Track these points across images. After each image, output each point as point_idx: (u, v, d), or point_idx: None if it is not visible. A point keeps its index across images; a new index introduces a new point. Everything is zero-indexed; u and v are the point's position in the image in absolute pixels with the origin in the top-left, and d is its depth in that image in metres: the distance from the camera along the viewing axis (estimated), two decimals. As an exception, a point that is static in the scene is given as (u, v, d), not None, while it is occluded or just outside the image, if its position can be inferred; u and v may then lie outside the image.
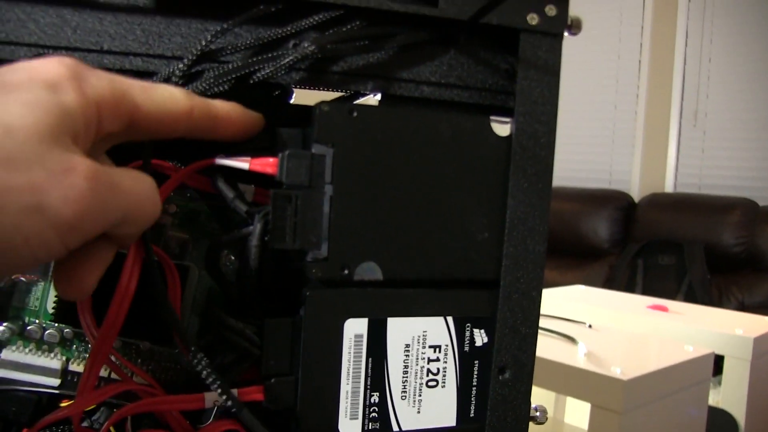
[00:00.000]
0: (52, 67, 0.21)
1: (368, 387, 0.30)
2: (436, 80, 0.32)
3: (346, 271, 0.29)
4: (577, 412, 1.27)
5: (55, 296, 0.31)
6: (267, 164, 0.29)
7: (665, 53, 2.64)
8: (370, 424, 0.30)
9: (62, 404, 0.31)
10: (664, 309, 1.47)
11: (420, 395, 0.31)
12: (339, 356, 0.29)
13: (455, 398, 0.32)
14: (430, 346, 0.31)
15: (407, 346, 0.31)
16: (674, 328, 1.34)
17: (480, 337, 0.32)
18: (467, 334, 0.32)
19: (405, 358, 0.31)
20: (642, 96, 2.69)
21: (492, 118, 0.32)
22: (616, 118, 2.77)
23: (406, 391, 0.31)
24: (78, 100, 0.21)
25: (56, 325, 0.31)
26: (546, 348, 1.00)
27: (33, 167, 0.19)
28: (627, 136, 2.74)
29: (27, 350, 0.31)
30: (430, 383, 0.31)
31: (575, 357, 0.98)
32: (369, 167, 0.30)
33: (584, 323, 1.22)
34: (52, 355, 0.31)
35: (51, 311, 0.31)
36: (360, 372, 0.30)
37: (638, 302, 1.52)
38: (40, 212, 0.19)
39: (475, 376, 0.32)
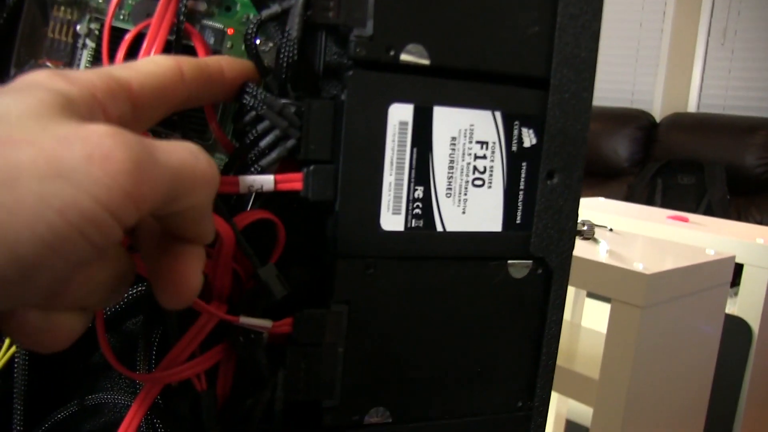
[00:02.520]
0: (35, 74, 0.20)
1: (412, 180, 0.28)
2: None
3: (391, 53, 0.27)
4: (594, 315, 1.27)
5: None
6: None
7: (696, -32, 2.53)
8: (414, 220, 0.29)
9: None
10: (684, 220, 1.45)
11: (465, 194, 0.29)
12: (383, 143, 0.28)
13: (502, 201, 0.30)
14: (477, 142, 0.29)
15: (453, 139, 0.29)
16: (695, 237, 1.33)
17: (528, 138, 0.30)
18: (515, 132, 0.30)
19: (451, 152, 0.29)
20: (669, 13, 2.59)
21: None
22: (641, 36, 2.68)
23: (451, 188, 0.29)
24: (69, 86, 0.20)
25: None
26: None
27: (37, 139, 0.17)
28: (651, 55, 2.66)
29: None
30: (476, 182, 0.29)
31: (597, 254, 0.97)
32: None
33: (605, 227, 1.21)
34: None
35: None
36: (404, 162, 0.28)
37: (659, 213, 1.50)
38: (63, 177, 0.16)
39: (522, 179, 0.30)
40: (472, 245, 0.30)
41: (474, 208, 0.30)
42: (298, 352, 0.28)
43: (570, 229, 0.31)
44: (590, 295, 1.32)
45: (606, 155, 2.42)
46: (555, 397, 1.25)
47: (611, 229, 1.20)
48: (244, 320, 0.27)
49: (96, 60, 0.29)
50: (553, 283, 0.32)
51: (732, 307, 1.34)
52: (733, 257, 1.09)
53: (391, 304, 0.29)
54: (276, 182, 0.27)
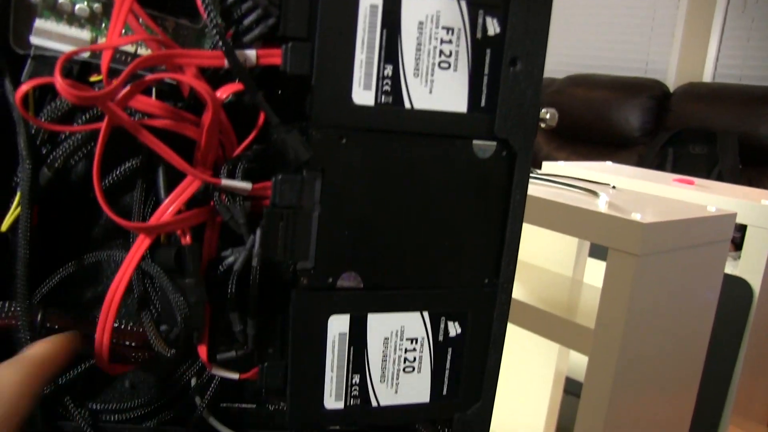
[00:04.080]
0: None
1: (382, 58, 0.31)
2: None
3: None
4: (596, 275, 1.29)
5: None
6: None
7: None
8: (383, 96, 0.32)
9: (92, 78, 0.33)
10: (690, 182, 1.47)
11: (432, 75, 0.32)
12: (354, 24, 0.31)
13: (467, 83, 0.33)
14: (443, 27, 0.32)
15: (421, 23, 0.32)
16: (699, 198, 1.34)
17: (492, 26, 0.33)
18: (480, 20, 0.33)
19: (418, 35, 0.32)
20: (687, -21, 2.58)
21: None
22: (657, 4, 2.67)
23: (418, 69, 0.32)
24: None
25: (85, 1, 0.33)
26: (567, 198, 1.02)
27: None
28: (667, 23, 2.65)
29: (59, 24, 0.33)
30: (442, 64, 0.32)
31: (596, 205, 0.99)
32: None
33: (608, 185, 1.23)
34: (82, 31, 0.33)
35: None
36: (374, 42, 0.31)
37: (665, 177, 1.52)
38: None
39: (486, 64, 0.33)
40: (438, 123, 0.33)
41: (440, 89, 0.33)
42: (276, 214, 0.31)
43: (532, 114, 0.34)
44: (592, 254, 1.34)
45: (617, 124, 2.43)
46: (555, 353, 1.28)
47: (614, 187, 1.22)
48: (226, 182, 0.31)
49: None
50: (516, 165, 0.35)
51: (735, 270, 1.36)
52: (734, 215, 1.11)
53: (363, 174, 0.32)
54: (258, 57, 0.31)
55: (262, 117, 0.32)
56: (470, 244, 0.35)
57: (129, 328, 0.34)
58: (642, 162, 2.29)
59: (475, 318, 0.36)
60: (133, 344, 0.34)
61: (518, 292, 1.09)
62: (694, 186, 1.44)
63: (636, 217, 0.92)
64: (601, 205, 1.01)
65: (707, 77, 2.55)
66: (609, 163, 1.68)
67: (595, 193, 1.08)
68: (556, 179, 1.18)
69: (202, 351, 0.34)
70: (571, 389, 1.36)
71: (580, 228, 0.99)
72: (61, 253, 0.34)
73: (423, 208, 0.34)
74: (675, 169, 2.21)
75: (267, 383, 0.35)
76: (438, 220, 0.34)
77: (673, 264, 1.00)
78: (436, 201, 0.34)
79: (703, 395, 1.19)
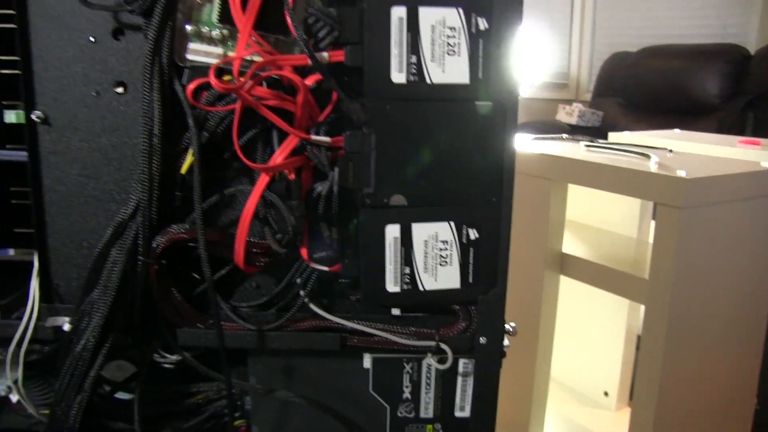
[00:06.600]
0: None
1: (408, 52, 0.50)
2: None
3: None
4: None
5: (219, 6, 0.53)
6: None
7: None
8: (412, 77, 0.51)
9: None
10: (756, 143, 1.53)
11: (443, 60, 0.51)
12: None
13: (467, 65, 0.51)
14: (448, 27, 0.50)
15: (432, 26, 0.50)
16: (763, 158, 1.40)
17: (482, 24, 0.51)
18: (473, 20, 0.51)
19: (431, 35, 0.50)
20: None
21: None
22: (734, -34, 2.71)
23: (434, 56, 0.51)
24: None
25: (218, 30, 0.53)
26: (621, 162, 1.13)
27: None
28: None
29: (202, 44, 0.53)
30: (449, 52, 0.51)
31: (646, 166, 1.09)
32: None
33: (665, 149, 1.32)
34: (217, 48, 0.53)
35: (216, 21, 0.53)
36: (403, 42, 0.50)
37: (730, 139, 1.59)
38: None
39: (480, 50, 0.51)
40: (450, 92, 0.51)
41: (449, 70, 0.51)
42: (347, 157, 0.51)
43: (512, 80, 0.52)
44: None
45: (694, 92, 2.49)
46: (626, 311, 1.37)
47: (671, 151, 1.32)
48: (315, 138, 0.51)
49: None
50: (507, 116, 0.52)
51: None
52: (788, 168, 1.18)
53: (403, 129, 0.51)
54: (329, 56, 0.50)
55: (334, 96, 0.52)
56: (480, 173, 0.53)
57: (256, 241, 0.55)
58: (720, 128, 2.35)
59: (487, 225, 0.54)
60: (258, 252, 0.55)
61: (585, 252, 1.20)
62: (760, 146, 1.50)
63: (680, 173, 1.01)
64: (651, 165, 1.11)
65: (792, 36, 2.57)
66: (677, 130, 1.77)
67: (647, 156, 1.19)
68: (614, 146, 1.28)
69: (304, 252, 0.54)
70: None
71: (629, 187, 1.09)
72: (209, 190, 0.55)
73: (445, 149, 0.52)
74: (756, 133, 2.26)
75: (346, 273, 0.54)
76: (457, 157, 0.53)
77: (721, 217, 1.07)
78: (454, 145, 0.52)
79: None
